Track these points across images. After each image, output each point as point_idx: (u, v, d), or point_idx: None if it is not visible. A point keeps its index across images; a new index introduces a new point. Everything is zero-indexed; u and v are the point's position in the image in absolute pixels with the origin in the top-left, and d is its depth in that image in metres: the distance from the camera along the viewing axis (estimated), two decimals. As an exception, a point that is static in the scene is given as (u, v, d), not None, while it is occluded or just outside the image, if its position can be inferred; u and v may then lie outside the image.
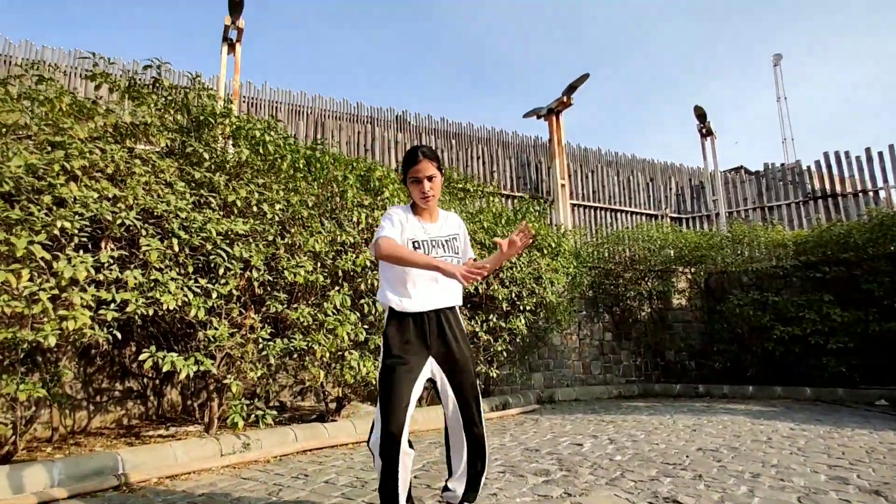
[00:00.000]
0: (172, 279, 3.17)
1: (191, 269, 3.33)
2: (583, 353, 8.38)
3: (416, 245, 2.12)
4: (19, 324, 2.60)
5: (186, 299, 3.26)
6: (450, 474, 2.28)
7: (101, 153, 3.00)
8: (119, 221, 2.97)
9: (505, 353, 6.36)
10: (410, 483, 2.15)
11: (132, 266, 3.08)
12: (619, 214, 10.16)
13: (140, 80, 3.65)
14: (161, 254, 3.16)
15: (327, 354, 4.28)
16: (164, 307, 3.07)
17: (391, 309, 2.12)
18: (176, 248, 3.20)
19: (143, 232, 3.07)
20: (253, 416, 3.91)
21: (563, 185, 9.15)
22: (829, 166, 10.04)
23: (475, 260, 2.32)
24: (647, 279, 8.68)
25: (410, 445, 2.06)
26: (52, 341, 2.57)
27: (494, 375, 6.39)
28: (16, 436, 2.85)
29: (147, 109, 3.54)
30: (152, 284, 3.07)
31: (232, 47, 7.38)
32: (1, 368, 2.70)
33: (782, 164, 10.61)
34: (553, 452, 3.73)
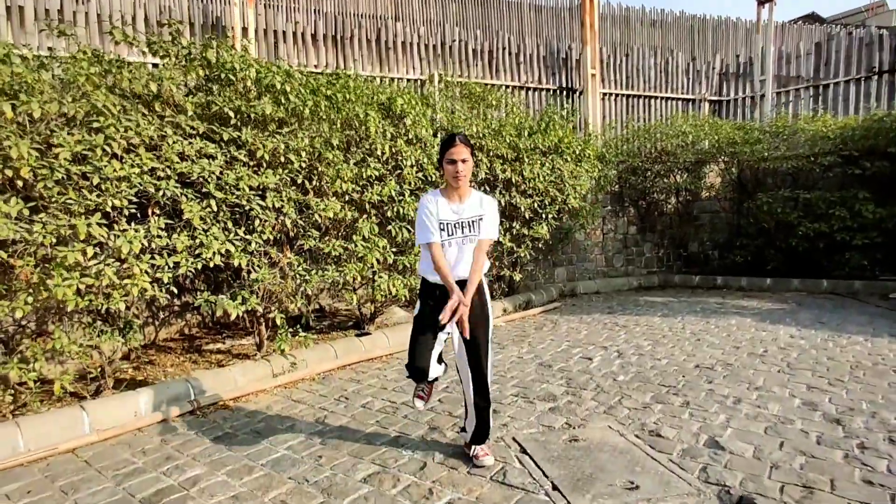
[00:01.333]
0: (215, 237, 3.50)
1: (230, 224, 3.64)
2: (606, 247, 8.66)
3: (443, 226, 2.53)
4: (92, 293, 3.04)
5: (229, 251, 3.62)
6: (466, 413, 2.76)
7: (136, 127, 3.17)
8: (161, 192, 3.24)
9: (528, 257, 6.71)
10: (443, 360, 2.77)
11: (178, 230, 3.41)
12: (653, 101, 9.65)
13: (159, 35, 3.63)
14: (202, 215, 3.46)
15: (359, 278, 4.71)
16: (211, 264, 3.45)
17: (424, 279, 2.65)
18: (214, 208, 3.49)
19: (184, 198, 3.34)
20: (297, 336, 4.48)
21: (593, 75, 8.65)
22: (898, 37, 8.99)
23: (496, 242, 2.58)
24: (675, 172, 8.55)
25: (440, 360, 2.71)
26: (122, 306, 3.03)
27: (518, 278, 6.82)
28: (103, 378, 3.46)
29: (171, 62, 3.58)
30: (198, 245, 3.42)
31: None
32: (85, 325, 3.22)
33: (850, 34, 9.54)
34: (564, 369, 4.21)
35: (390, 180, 4.74)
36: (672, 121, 8.52)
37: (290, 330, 4.34)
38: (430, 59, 8.01)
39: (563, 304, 7.29)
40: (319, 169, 4.18)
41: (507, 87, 8.24)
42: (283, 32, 7.18)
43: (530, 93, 8.66)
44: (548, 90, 8.77)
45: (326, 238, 4.50)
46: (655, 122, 9.17)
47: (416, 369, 2.58)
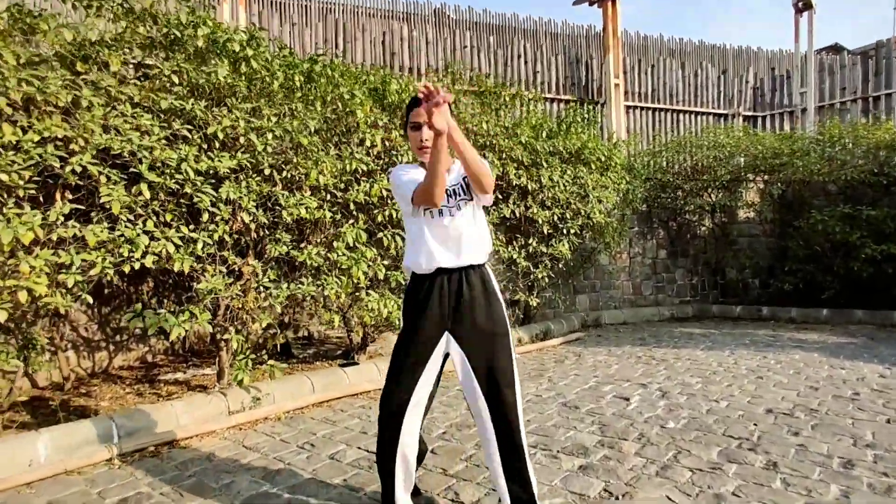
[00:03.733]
0: (146, 232, 2.73)
1: (168, 218, 2.87)
2: (633, 273, 7.73)
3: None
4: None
5: (167, 252, 2.84)
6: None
7: (39, 83, 2.45)
8: (70, 168, 2.49)
9: (546, 279, 5.84)
10: (420, 460, 2.04)
11: (96, 219, 2.65)
12: (682, 116, 8.87)
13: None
14: (130, 202, 2.69)
15: (343, 296, 3.88)
16: (137, 265, 2.66)
17: (413, 275, 1.93)
18: (147, 195, 2.72)
19: (103, 178, 2.59)
20: (267, 365, 3.64)
21: (616, 85, 7.93)
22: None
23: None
24: (710, 191, 7.68)
25: (423, 444, 2.01)
26: (2, 316, 2.22)
27: (534, 304, 5.93)
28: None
29: (104, 21, 2.90)
30: (123, 241, 2.64)
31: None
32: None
33: None
34: (594, 412, 3.28)
35: (382, 177, 3.97)
36: (706, 132, 7.71)
37: (254, 356, 3.50)
38: (437, 64, 7.38)
39: (586, 335, 6.33)
40: (293, 159, 3.42)
41: (519, 99, 7.57)
42: (279, 36, 6.63)
43: (549, 104, 7.96)
44: (567, 101, 8.06)
45: (303, 245, 3.71)
46: (685, 136, 8.37)
47: (388, 412, 1.85)
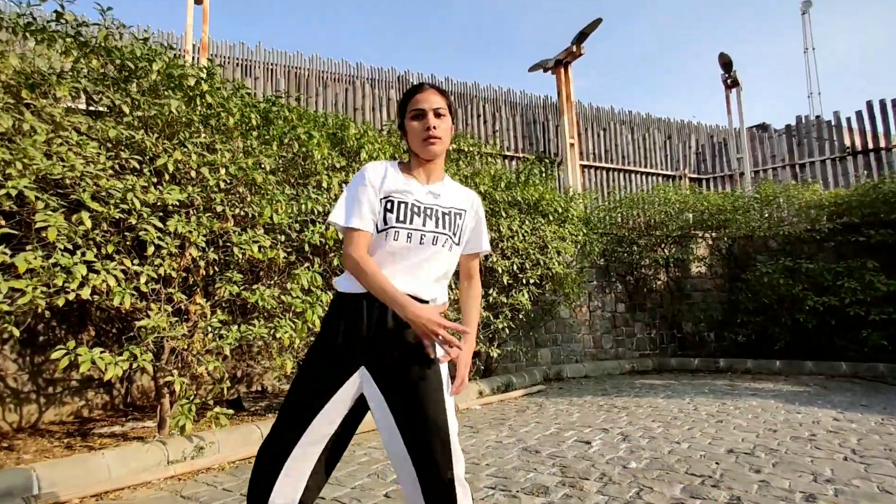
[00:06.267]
0: (86, 262, 2.58)
1: (110, 250, 2.73)
2: (593, 326, 7.79)
3: (391, 206, 1.44)
4: None
5: (108, 285, 2.68)
6: None
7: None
8: (5, 192, 2.36)
9: (507, 330, 5.79)
10: None
11: (30, 247, 2.50)
12: (633, 176, 9.37)
13: (42, 17, 2.97)
14: (70, 231, 2.56)
15: (297, 341, 3.72)
16: (72, 296, 2.49)
17: (336, 294, 1.50)
18: (88, 224, 2.60)
19: (40, 204, 2.46)
20: (212, 412, 3.40)
21: (571, 145, 8.35)
22: (871, 117, 9.06)
23: (487, 258, 1.60)
24: (663, 246, 7.98)
25: (328, 470, 1.46)
26: None
27: (495, 355, 5.84)
28: None
29: (55, 53, 2.88)
30: (58, 270, 2.49)
31: (200, -5, 6.60)
32: None
33: (817, 117, 9.66)
34: (556, 455, 3.16)
35: (339, 219, 3.94)
36: (657, 189, 8.11)
37: (197, 402, 3.27)
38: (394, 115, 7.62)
39: (548, 387, 6.23)
40: (246, 196, 3.38)
41: (478, 151, 7.84)
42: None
43: (507, 161, 8.26)
44: (525, 159, 8.38)
45: (255, 286, 3.58)
46: (637, 193, 8.79)
47: (255, 485, 1.39)
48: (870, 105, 9.14)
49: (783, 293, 6.83)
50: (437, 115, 1.48)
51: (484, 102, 8.47)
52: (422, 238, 1.45)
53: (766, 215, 7.28)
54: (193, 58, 6.39)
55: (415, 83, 8.03)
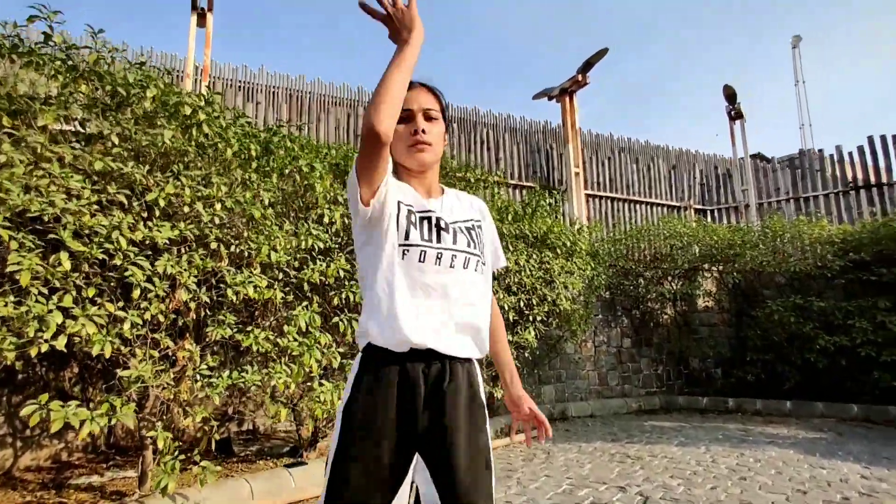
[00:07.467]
0: (61, 308, 2.33)
1: (91, 293, 2.48)
2: (598, 362, 7.53)
3: (413, 219, 1.20)
4: None
5: (87, 333, 2.43)
6: None
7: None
8: (-27, 231, 2.13)
9: (511, 369, 5.53)
10: None
11: (0, 292, 2.25)
12: (638, 206, 9.22)
13: (28, 39, 2.77)
14: (46, 273, 2.32)
15: (293, 387, 3.46)
16: (46, 347, 2.24)
17: (367, 346, 1.21)
18: (67, 266, 2.36)
19: (13, 243, 2.22)
20: (199, 468, 3.10)
21: (576, 174, 8.22)
22: (873, 152, 9.01)
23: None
24: (670, 279, 7.79)
25: None
26: None
27: (498, 395, 5.57)
28: None
29: (43, 77, 2.67)
30: (31, 318, 2.23)
31: (202, 17, 6.47)
32: None
33: (819, 150, 9.60)
34: (573, 523, 2.89)
35: (340, 256, 3.71)
36: (663, 221, 7.96)
37: (183, 457, 2.98)
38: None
39: (553, 428, 5.95)
40: (243, 232, 3.15)
41: (483, 181, 7.69)
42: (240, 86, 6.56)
43: (511, 190, 8.10)
44: (530, 188, 8.24)
45: (249, 329, 3.33)
46: (643, 224, 8.64)
47: None
48: (871, 140, 9.09)
49: (793, 331, 6.64)
50: (428, 117, 1.27)
51: (486, 128, 8.33)
52: (453, 260, 1.21)
53: (775, 251, 7.12)
54: (195, 79, 6.22)
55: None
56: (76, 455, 4.26)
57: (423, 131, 1.24)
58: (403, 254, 1.18)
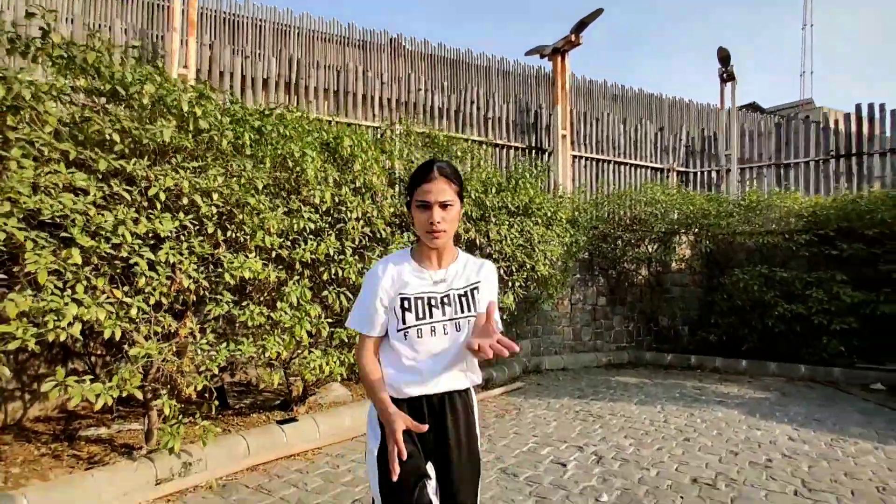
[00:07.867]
0: (75, 300, 2.57)
1: (101, 283, 2.71)
2: (574, 319, 8.00)
3: (408, 305, 1.55)
4: None
5: (98, 318, 2.69)
6: None
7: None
8: (-8, 233, 2.32)
9: (490, 329, 5.92)
10: None
11: (18, 287, 2.47)
12: (623, 168, 9.39)
13: (27, 36, 2.81)
14: (59, 267, 2.54)
15: (284, 354, 3.79)
16: (63, 336, 2.50)
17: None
18: (78, 260, 2.57)
19: (29, 243, 2.42)
20: (199, 427, 3.47)
21: (563, 136, 8.30)
22: (859, 120, 9.15)
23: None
24: (647, 242, 8.13)
25: None
26: None
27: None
28: None
29: (41, 73, 2.75)
30: (46, 310, 2.48)
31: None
32: None
33: (806, 117, 9.71)
34: (532, 481, 3.35)
35: (329, 235, 3.94)
36: (645, 187, 8.18)
37: (185, 421, 3.34)
38: (392, 110, 7.45)
39: (526, 383, 6.47)
40: (238, 217, 3.34)
41: (474, 142, 7.76)
42: (231, 73, 6.47)
43: (499, 150, 8.20)
44: (517, 149, 8.34)
45: (245, 304, 3.60)
46: (626, 188, 8.85)
47: None
48: (858, 108, 9.21)
49: (756, 298, 7.08)
50: (444, 206, 1.52)
51: (477, 80, 8.30)
52: (445, 329, 1.55)
53: (747, 221, 7.44)
54: (182, 26, 6.07)
55: (407, 47, 8.00)
56: (83, 404, 4.63)
57: (439, 221, 1.51)
58: (405, 335, 1.56)
